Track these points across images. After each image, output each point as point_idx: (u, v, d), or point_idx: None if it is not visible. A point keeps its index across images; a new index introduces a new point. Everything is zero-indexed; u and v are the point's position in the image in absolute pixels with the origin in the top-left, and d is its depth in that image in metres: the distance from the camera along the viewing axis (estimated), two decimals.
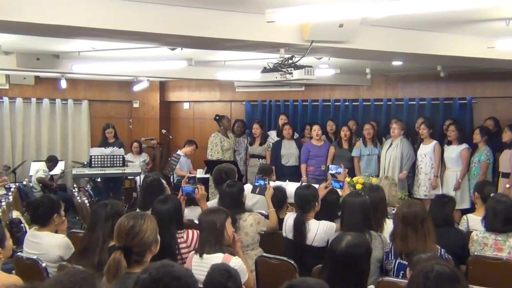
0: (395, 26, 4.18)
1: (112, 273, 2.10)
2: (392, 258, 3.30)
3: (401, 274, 3.16)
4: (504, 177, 5.66)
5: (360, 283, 2.46)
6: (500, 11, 3.64)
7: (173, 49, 4.78)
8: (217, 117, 7.52)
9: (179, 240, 3.28)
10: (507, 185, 5.47)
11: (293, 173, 6.98)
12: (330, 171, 5.11)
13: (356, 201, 3.56)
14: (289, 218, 3.88)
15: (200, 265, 2.85)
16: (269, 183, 4.61)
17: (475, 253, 3.60)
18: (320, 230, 3.71)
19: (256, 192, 4.61)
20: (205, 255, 2.89)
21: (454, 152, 6.10)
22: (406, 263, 3.10)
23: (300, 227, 3.73)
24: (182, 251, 3.26)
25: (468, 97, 7.61)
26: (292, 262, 3.31)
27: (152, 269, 1.77)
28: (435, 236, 3.19)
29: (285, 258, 3.37)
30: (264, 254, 3.67)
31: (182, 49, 4.83)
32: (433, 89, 7.91)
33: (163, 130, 8.64)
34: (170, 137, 8.62)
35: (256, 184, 4.64)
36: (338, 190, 4.31)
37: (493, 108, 7.49)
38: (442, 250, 3.23)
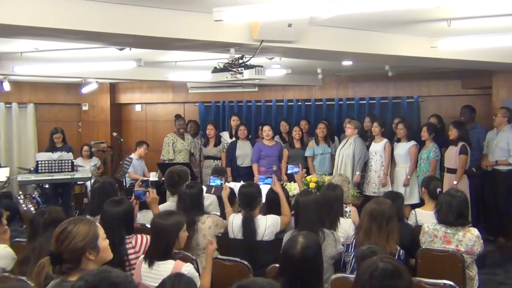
0: (343, 26, 4.25)
1: (37, 280, 1.98)
2: (352, 250, 3.35)
3: None
4: (449, 172, 5.88)
5: (319, 284, 2.47)
6: (441, 12, 3.77)
7: (121, 49, 4.67)
8: (175, 118, 7.64)
9: (127, 246, 3.17)
10: (455, 182, 5.68)
11: (248, 174, 6.97)
12: (288, 171, 5.15)
13: (310, 199, 3.60)
14: (235, 218, 3.88)
15: (151, 272, 2.77)
16: (225, 183, 4.59)
17: (424, 246, 3.72)
18: (269, 224, 3.78)
19: (212, 192, 4.57)
20: (155, 262, 2.80)
21: (403, 149, 6.27)
22: None
23: (249, 224, 3.74)
24: (130, 257, 3.14)
25: (415, 96, 7.90)
26: (246, 262, 3.29)
27: (88, 276, 1.69)
28: (398, 237, 3.25)
29: (238, 259, 3.34)
30: (218, 256, 3.65)
31: (130, 49, 4.72)
32: (382, 88, 8.15)
33: (114, 133, 8.42)
34: (122, 140, 8.42)
35: (212, 184, 4.59)
36: (268, 186, 4.33)
37: (438, 106, 7.82)
38: (401, 251, 3.30)
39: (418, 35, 4.63)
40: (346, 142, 6.60)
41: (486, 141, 6.31)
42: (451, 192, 3.84)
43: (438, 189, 4.36)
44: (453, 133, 5.88)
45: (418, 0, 2.96)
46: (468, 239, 3.61)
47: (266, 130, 6.99)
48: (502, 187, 6.09)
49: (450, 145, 5.95)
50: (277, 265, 3.11)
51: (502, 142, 6.01)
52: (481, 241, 3.68)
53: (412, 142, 6.25)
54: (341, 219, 3.92)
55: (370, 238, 3.19)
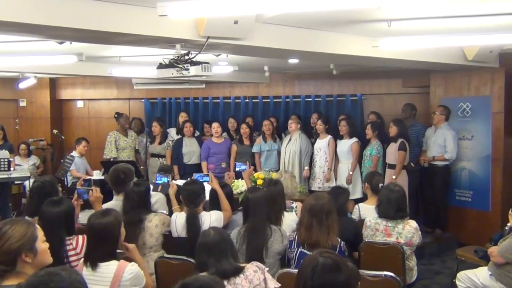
0: (288, 24, 4.29)
1: None
2: (295, 247, 3.39)
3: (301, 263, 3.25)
4: (390, 168, 6.10)
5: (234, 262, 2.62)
6: (382, 13, 3.90)
7: (61, 43, 4.48)
8: (116, 115, 7.41)
9: (68, 248, 3.06)
10: (393, 176, 5.91)
11: (195, 171, 6.85)
12: (236, 169, 5.16)
13: (259, 195, 3.63)
14: (178, 217, 3.84)
15: (94, 275, 2.67)
16: (172, 180, 4.54)
17: (367, 239, 3.84)
18: (213, 220, 3.79)
19: (159, 189, 4.51)
20: (98, 265, 2.71)
21: (345, 145, 6.44)
22: (308, 252, 3.21)
23: (194, 221, 3.72)
24: (71, 258, 3.04)
25: (359, 94, 8.14)
26: (193, 260, 3.26)
27: (32, 276, 1.64)
28: (338, 230, 3.33)
29: (184, 257, 3.31)
30: (165, 255, 3.60)
31: (71, 43, 4.54)
32: (327, 86, 8.34)
33: (54, 130, 8.08)
34: (63, 137, 8.09)
35: (159, 181, 4.53)
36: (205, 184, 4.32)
37: (380, 104, 8.10)
38: (342, 242, 3.38)
39: (361, 35, 4.76)
40: (291, 138, 6.69)
41: (425, 138, 6.60)
42: (390, 187, 3.99)
43: (380, 184, 4.51)
44: (393, 130, 6.11)
45: (360, 0, 3.03)
46: (407, 231, 3.77)
47: (215, 127, 6.97)
48: (439, 182, 6.40)
49: (390, 142, 6.17)
50: None
51: (439, 138, 6.30)
52: (419, 232, 3.86)
53: (354, 139, 6.43)
54: (285, 213, 3.98)
55: (312, 234, 3.25)
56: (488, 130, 6.28)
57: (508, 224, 3.82)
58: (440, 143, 6.28)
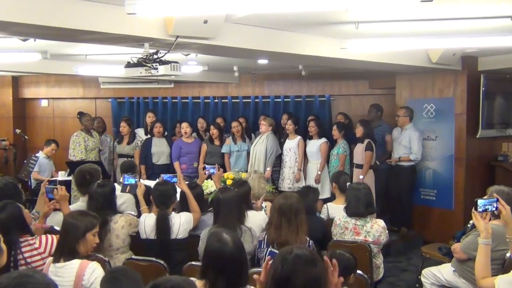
0: (258, 25, 4.31)
1: None
2: (265, 246, 3.41)
3: None
4: (357, 167, 6.21)
5: (245, 276, 2.40)
6: (350, 15, 3.96)
7: (24, 40, 4.35)
8: (78, 115, 7.19)
9: (29, 248, 2.99)
10: (361, 176, 6.01)
11: (164, 172, 6.77)
12: (207, 171, 5.15)
13: (230, 195, 3.64)
14: (147, 218, 3.80)
15: (56, 274, 2.65)
16: (139, 180, 4.49)
17: (335, 238, 3.89)
18: (183, 221, 3.76)
19: (127, 190, 4.44)
20: (59, 264, 2.69)
21: (314, 146, 6.51)
22: (277, 251, 3.22)
23: (164, 222, 3.69)
24: (35, 258, 2.97)
25: (327, 95, 8.24)
26: (162, 262, 3.24)
27: (5, 279, 1.58)
28: (307, 229, 3.36)
29: (153, 259, 3.28)
30: (133, 256, 3.55)
31: (35, 40, 4.42)
32: (296, 87, 8.41)
33: (17, 130, 7.84)
34: (26, 137, 7.85)
35: (126, 182, 4.47)
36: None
37: (348, 105, 8.24)
38: (311, 241, 3.42)
39: (329, 37, 4.82)
40: (260, 138, 6.72)
41: (392, 138, 6.72)
42: (355, 186, 4.08)
43: (348, 183, 4.58)
44: (359, 130, 6.21)
45: (328, 2, 3.07)
46: (375, 230, 3.85)
47: (185, 127, 6.93)
48: (405, 181, 6.54)
49: (357, 142, 6.27)
50: (194, 263, 3.11)
51: (404, 140, 6.43)
52: (387, 231, 3.95)
53: (323, 139, 6.51)
54: (255, 213, 3.99)
55: (281, 233, 3.27)
56: (451, 131, 6.47)
57: (471, 222, 3.95)
58: (405, 144, 6.40)
